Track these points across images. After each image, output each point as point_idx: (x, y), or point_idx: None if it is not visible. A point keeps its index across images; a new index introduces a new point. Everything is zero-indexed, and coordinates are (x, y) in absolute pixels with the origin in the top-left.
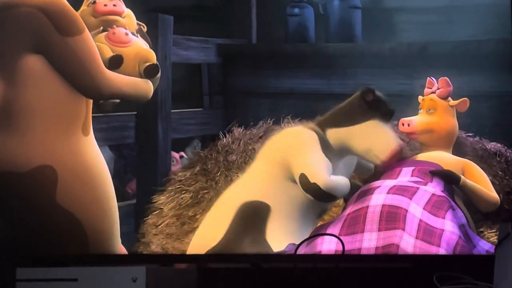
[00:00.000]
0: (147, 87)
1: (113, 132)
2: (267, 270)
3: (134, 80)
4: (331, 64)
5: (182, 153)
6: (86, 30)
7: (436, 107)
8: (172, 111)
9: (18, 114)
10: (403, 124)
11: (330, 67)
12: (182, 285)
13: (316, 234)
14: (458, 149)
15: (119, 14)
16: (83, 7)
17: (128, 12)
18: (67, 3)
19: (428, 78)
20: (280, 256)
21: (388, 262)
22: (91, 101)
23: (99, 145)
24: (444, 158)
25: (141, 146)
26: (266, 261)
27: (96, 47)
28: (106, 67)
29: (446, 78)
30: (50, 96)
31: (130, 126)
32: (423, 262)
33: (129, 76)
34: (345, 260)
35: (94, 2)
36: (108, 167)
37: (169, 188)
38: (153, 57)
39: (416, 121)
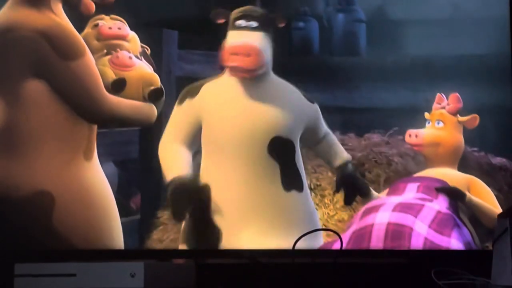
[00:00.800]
0: (150, 110)
1: (118, 147)
2: (265, 265)
3: (137, 104)
4: (335, 77)
5: None
6: (87, 53)
7: (445, 121)
8: None
9: (19, 138)
10: (410, 136)
11: (334, 80)
12: (180, 280)
13: (315, 229)
14: (463, 164)
15: (123, 37)
16: (87, 29)
17: (132, 35)
18: (68, 26)
19: (438, 94)
20: (278, 251)
21: (387, 257)
22: (95, 126)
23: (104, 161)
24: (450, 175)
25: (145, 161)
26: (264, 256)
27: (97, 70)
28: (109, 91)
29: (457, 94)
30: (51, 120)
31: (134, 141)
32: (421, 258)
33: (132, 100)
34: (343, 256)
35: (100, 25)
36: (112, 182)
37: None
38: (157, 81)
39: (424, 133)
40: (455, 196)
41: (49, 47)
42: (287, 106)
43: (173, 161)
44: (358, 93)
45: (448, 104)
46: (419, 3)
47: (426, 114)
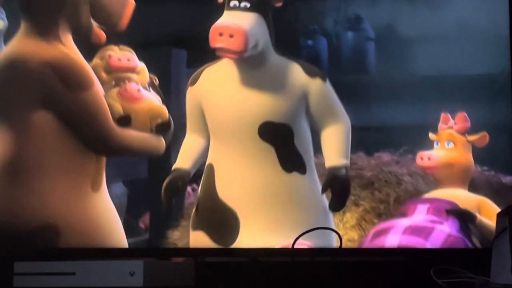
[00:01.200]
0: (158, 143)
1: (127, 167)
2: (264, 264)
3: (145, 136)
4: (343, 95)
5: (195, 185)
6: (95, 84)
7: (455, 141)
8: None
9: (26, 169)
10: (422, 158)
11: (342, 98)
12: (180, 278)
13: (314, 228)
14: (474, 184)
15: (133, 69)
16: (96, 60)
17: (141, 66)
18: (76, 57)
19: (443, 114)
20: (277, 250)
21: (386, 256)
22: (103, 157)
23: (113, 181)
24: (460, 196)
25: (154, 180)
26: (264, 254)
27: (105, 101)
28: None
29: (464, 113)
30: (59, 151)
31: (143, 161)
32: (420, 256)
33: (139, 132)
34: (342, 254)
35: (109, 56)
36: (122, 202)
37: (183, 223)
38: (164, 113)
39: (437, 155)
40: (465, 218)
41: (56, 79)
42: (283, 88)
43: (181, 151)
44: (367, 111)
45: (455, 124)
46: (428, 21)
47: (432, 135)
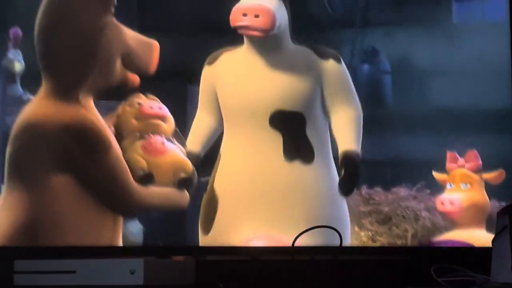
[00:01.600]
0: (181, 197)
1: None
2: (264, 263)
3: (167, 192)
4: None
5: None
6: (113, 146)
7: (471, 182)
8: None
9: (42, 232)
10: (443, 203)
11: None
12: (180, 277)
13: (314, 226)
14: (492, 220)
15: (163, 117)
16: (125, 107)
17: (169, 116)
18: (95, 120)
19: (449, 153)
20: (277, 248)
21: (386, 254)
22: (120, 217)
23: (129, 220)
24: (478, 237)
25: (168, 214)
26: (263, 253)
27: (125, 163)
28: (137, 182)
29: (474, 151)
30: (75, 214)
31: None
32: (421, 255)
33: (162, 188)
34: (343, 253)
35: (139, 104)
36: (137, 240)
37: None
38: (188, 167)
39: (459, 199)
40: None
41: (75, 143)
42: (298, 76)
43: (191, 133)
44: (384, 145)
45: (466, 163)
46: (445, 54)
47: (441, 175)
